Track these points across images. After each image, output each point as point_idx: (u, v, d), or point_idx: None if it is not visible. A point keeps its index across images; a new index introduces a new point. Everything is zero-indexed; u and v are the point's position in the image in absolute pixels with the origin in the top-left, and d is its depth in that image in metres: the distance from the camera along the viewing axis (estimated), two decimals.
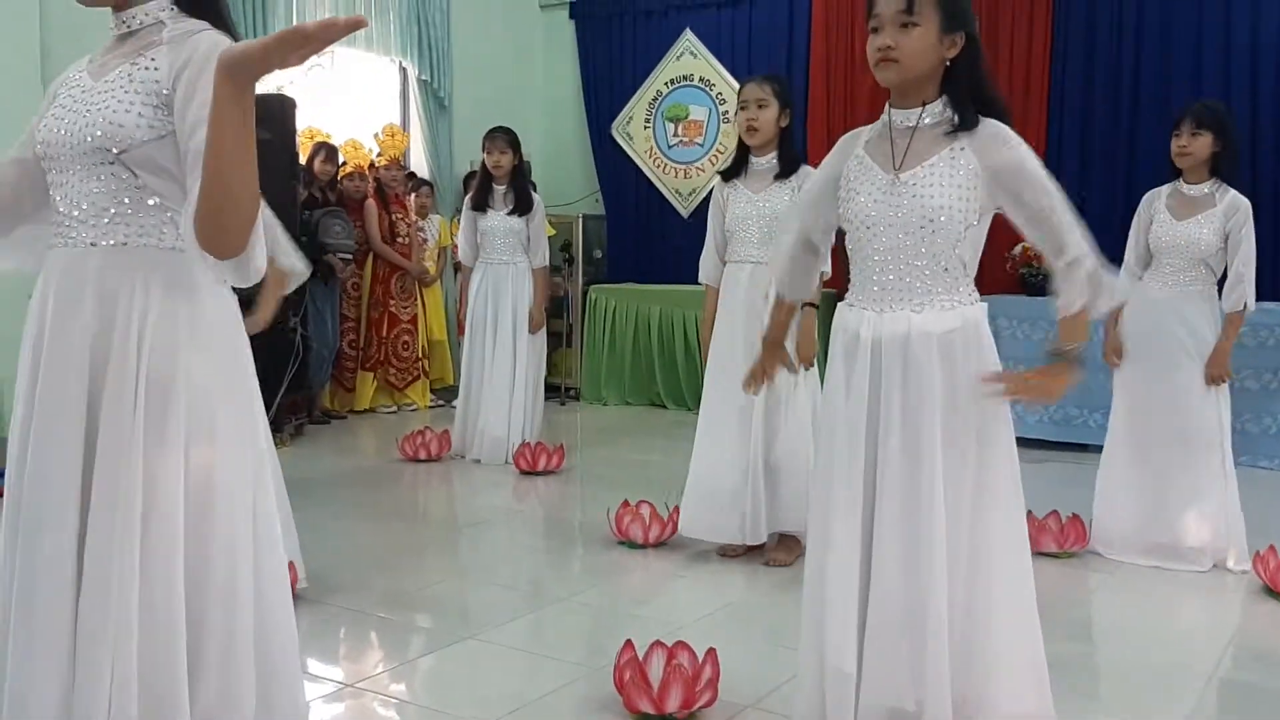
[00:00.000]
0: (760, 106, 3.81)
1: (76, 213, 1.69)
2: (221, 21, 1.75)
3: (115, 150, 1.64)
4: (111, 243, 1.66)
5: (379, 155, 7.40)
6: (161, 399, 1.63)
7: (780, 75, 4.02)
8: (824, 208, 2.36)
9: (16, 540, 1.67)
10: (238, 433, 1.71)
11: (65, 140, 1.69)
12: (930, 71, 2.17)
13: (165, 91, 1.65)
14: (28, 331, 1.73)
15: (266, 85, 6.91)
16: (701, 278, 4.11)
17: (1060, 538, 3.97)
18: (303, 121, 6.67)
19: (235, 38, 1.71)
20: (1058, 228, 2.17)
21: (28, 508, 1.66)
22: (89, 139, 1.66)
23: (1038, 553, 3.87)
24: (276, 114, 5.76)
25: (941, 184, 2.15)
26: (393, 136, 7.48)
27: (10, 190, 1.78)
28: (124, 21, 1.73)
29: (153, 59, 1.67)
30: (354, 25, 1.37)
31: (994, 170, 2.15)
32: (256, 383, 1.80)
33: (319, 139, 7.02)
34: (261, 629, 1.73)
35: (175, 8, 1.73)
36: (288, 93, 6.31)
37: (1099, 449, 4.18)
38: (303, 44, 1.40)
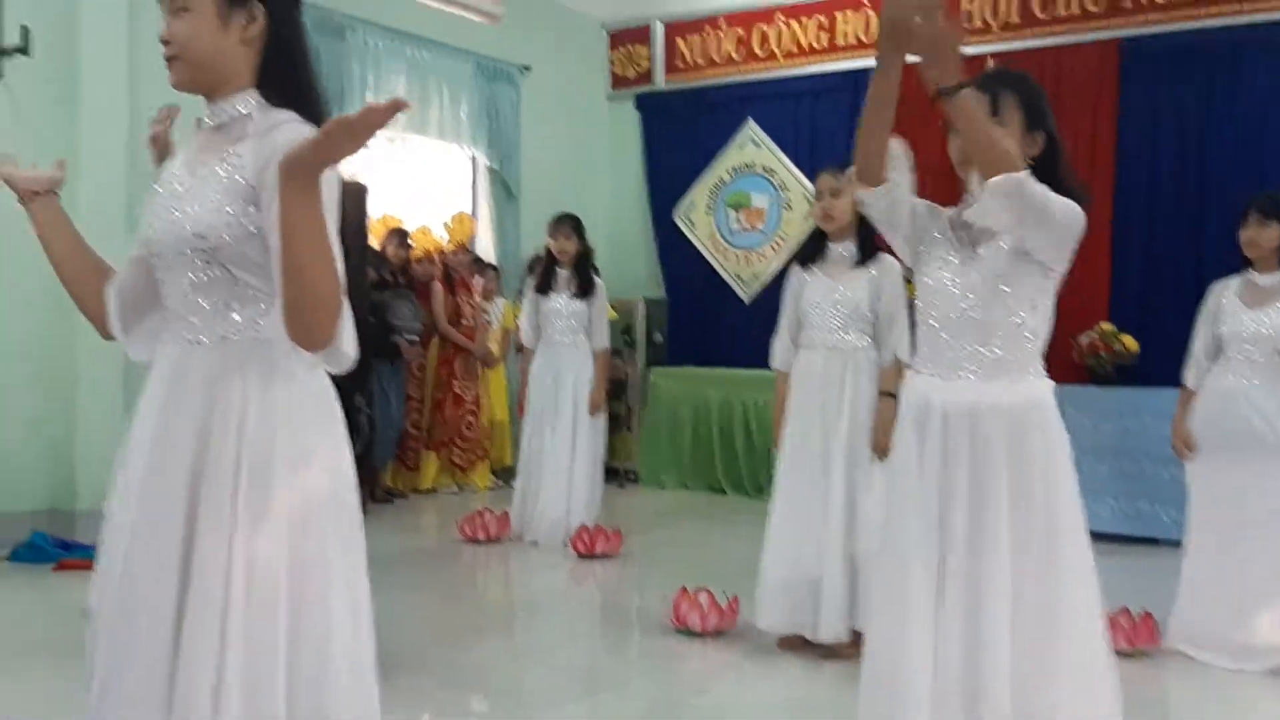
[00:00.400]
0: (834, 195, 3.80)
1: (180, 308, 1.73)
2: (310, 108, 1.76)
3: (209, 249, 1.68)
4: (213, 338, 1.70)
5: (447, 240, 7.56)
6: (261, 482, 1.65)
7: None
8: (914, 212, 2.41)
9: (114, 620, 1.69)
10: (334, 515, 1.73)
11: (164, 239, 1.73)
12: None
13: (252, 186, 1.67)
14: (136, 418, 1.77)
15: (341, 172, 7.15)
16: (774, 363, 4.07)
17: (1131, 635, 3.85)
18: (375, 206, 6.87)
19: (322, 119, 1.72)
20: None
21: (124, 587, 1.68)
22: (184, 238, 1.69)
23: None
24: (349, 199, 5.92)
25: (1014, 258, 2.20)
26: (460, 223, 7.66)
27: (138, 284, 1.83)
28: (215, 114, 1.78)
29: (239, 154, 1.70)
30: (394, 108, 1.42)
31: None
32: (353, 466, 1.81)
33: (392, 224, 7.22)
34: (349, 710, 1.72)
35: (262, 99, 1.76)
36: (361, 179, 6.50)
37: (1170, 543, 4.09)
38: (349, 134, 1.45)
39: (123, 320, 1.85)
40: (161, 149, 3.39)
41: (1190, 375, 4.09)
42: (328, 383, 1.78)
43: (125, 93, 5.38)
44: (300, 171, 1.50)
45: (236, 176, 1.69)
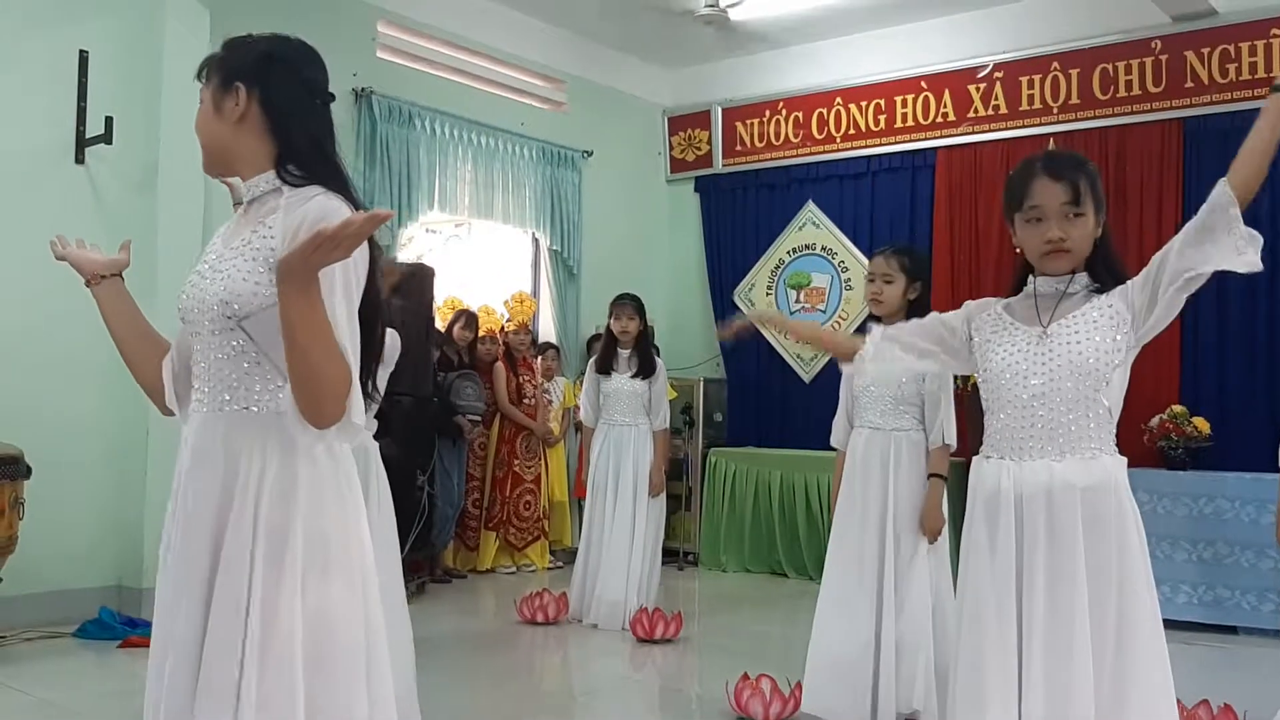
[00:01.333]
0: (886, 282, 3.83)
1: (206, 376, 1.79)
2: (329, 177, 1.82)
3: (235, 318, 1.74)
4: (236, 408, 1.75)
5: (508, 320, 7.66)
6: (278, 548, 1.69)
7: (912, 248, 4.05)
8: (959, 331, 2.42)
9: (157, 685, 1.74)
10: (348, 580, 1.75)
11: (195, 306, 1.80)
12: (1089, 254, 2.28)
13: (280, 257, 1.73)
14: (173, 489, 1.83)
15: (408, 255, 7.31)
16: (833, 441, 4.09)
17: None
18: (441, 288, 6.99)
19: (351, 196, 1.81)
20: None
21: (163, 653, 1.73)
22: (211, 305, 1.76)
23: None
24: (415, 282, 6.04)
25: (1090, 330, 2.21)
26: (521, 303, 7.76)
27: (186, 358, 1.89)
28: (249, 189, 1.86)
29: (270, 227, 1.77)
30: (376, 220, 1.51)
31: (1131, 296, 2.22)
32: (368, 534, 1.84)
33: (457, 306, 7.33)
34: None
35: (279, 177, 1.82)
36: (428, 261, 6.63)
37: (1250, 631, 3.92)
38: (331, 244, 1.52)
39: (177, 394, 1.92)
40: None
41: None
42: (347, 456, 1.82)
43: (201, 180, 5.56)
44: (294, 273, 1.57)
45: (265, 248, 1.75)
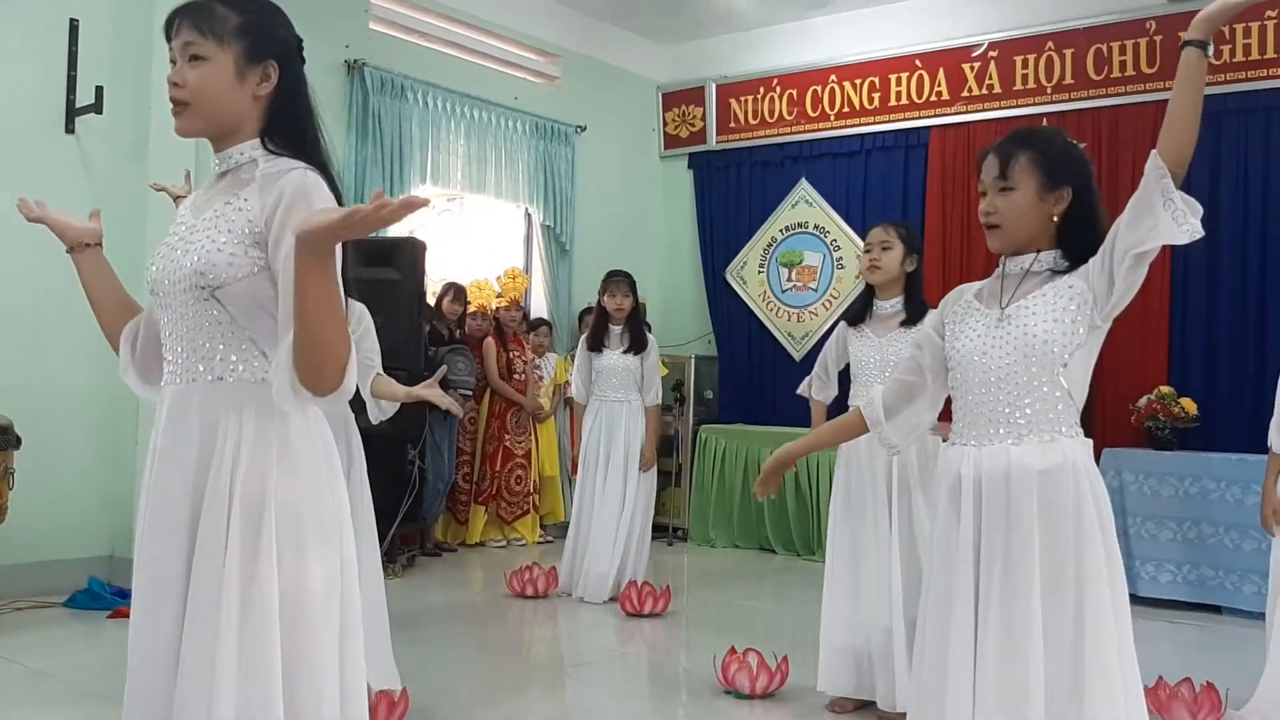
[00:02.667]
0: (884, 249, 3.84)
1: (177, 347, 1.79)
2: (310, 154, 1.83)
3: (209, 287, 1.74)
4: (210, 378, 1.76)
5: (499, 296, 7.65)
6: (254, 515, 1.70)
7: (906, 224, 4.07)
8: (928, 346, 2.41)
9: (134, 657, 1.77)
10: (324, 549, 1.77)
11: (166, 277, 1.80)
12: (1037, 230, 2.23)
13: (258, 230, 1.74)
14: (147, 462, 1.84)
15: (400, 228, 7.29)
16: (812, 391, 4.17)
17: (1193, 708, 3.73)
18: (432, 262, 6.97)
19: (328, 173, 1.80)
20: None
21: (142, 621, 1.75)
22: (185, 275, 1.76)
23: None
24: (407, 255, 6.03)
25: (1046, 311, 2.18)
26: (514, 279, 7.75)
27: (155, 327, 1.90)
28: (223, 160, 1.84)
29: (245, 198, 1.77)
30: (409, 206, 1.50)
31: (1091, 276, 2.16)
32: (346, 503, 1.86)
33: (447, 280, 7.32)
34: None
35: (264, 147, 1.82)
36: (419, 235, 6.61)
37: (1233, 611, 3.95)
38: (363, 224, 1.52)
39: (141, 363, 1.94)
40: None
41: (1276, 438, 3.91)
42: (323, 425, 1.83)
43: (192, 152, 5.53)
44: (315, 244, 1.57)
45: (241, 219, 1.75)
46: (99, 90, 5.33)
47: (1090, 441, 2.23)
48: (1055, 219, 2.22)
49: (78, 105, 5.36)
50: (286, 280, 1.67)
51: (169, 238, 1.86)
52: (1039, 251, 2.24)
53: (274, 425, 1.74)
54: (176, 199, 3.90)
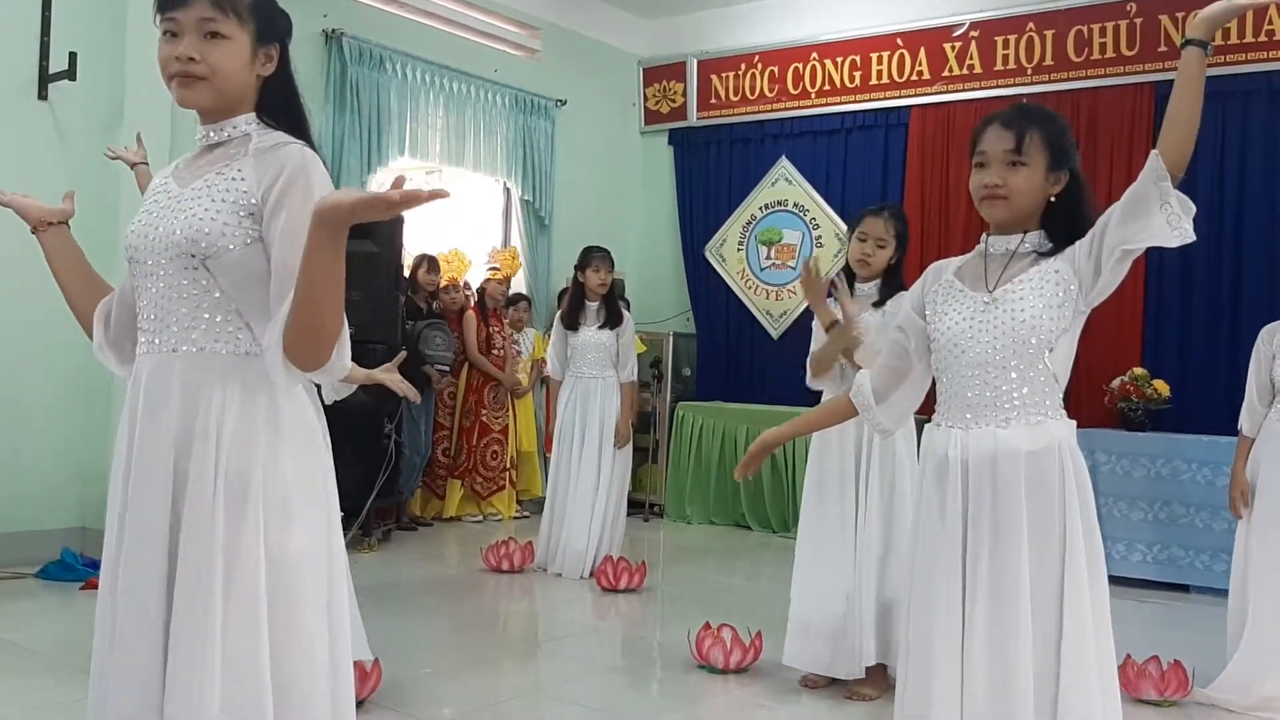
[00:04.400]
0: (880, 246, 3.83)
1: (157, 316, 1.77)
2: (301, 132, 1.85)
3: (199, 256, 1.72)
4: (192, 349, 1.74)
5: (493, 270, 7.61)
6: (240, 489, 1.69)
7: (902, 212, 4.04)
8: (911, 329, 2.40)
9: (110, 624, 1.74)
10: (311, 525, 1.76)
11: (150, 245, 1.77)
12: (1035, 208, 2.24)
13: (253, 202, 1.73)
14: (120, 433, 1.82)
15: None
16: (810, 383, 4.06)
17: (1160, 685, 3.78)
18: (410, 235, 6.92)
19: (315, 148, 1.81)
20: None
21: (121, 594, 1.73)
22: (172, 244, 1.74)
23: (1137, 700, 3.72)
24: (385, 228, 5.98)
25: (1034, 295, 2.18)
26: (513, 257, 7.72)
27: (131, 302, 1.88)
28: (211, 133, 1.84)
29: (239, 170, 1.76)
30: (435, 196, 1.49)
31: (1078, 263, 2.17)
32: (333, 479, 1.85)
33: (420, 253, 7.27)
34: (330, 710, 1.75)
35: (259, 121, 1.83)
36: None
37: (1202, 590, 3.99)
38: (386, 209, 1.52)
39: (115, 341, 1.93)
40: (142, 178, 3.71)
41: (1246, 421, 3.94)
42: (311, 398, 1.83)
43: (168, 120, 5.47)
44: (333, 221, 1.56)
45: (236, 190, 1.74)
46: (72, 56, 5.25)
47: (1074, 423, 2.25)
48: (1051, 200, 2.23)
49: (51, 72, 5.28)
50: (280, 253, 1.67)
51: (149, 204, 1.84)
52: (1026, 232, 2.25)
53: (261, 398, 1.73)
54: (133, 165, 3.87)
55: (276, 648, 1.68)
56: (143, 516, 1.72)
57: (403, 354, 3.82)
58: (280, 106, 1.85)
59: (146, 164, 3.89)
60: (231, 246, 1.71)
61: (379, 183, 7.33)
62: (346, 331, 1.68)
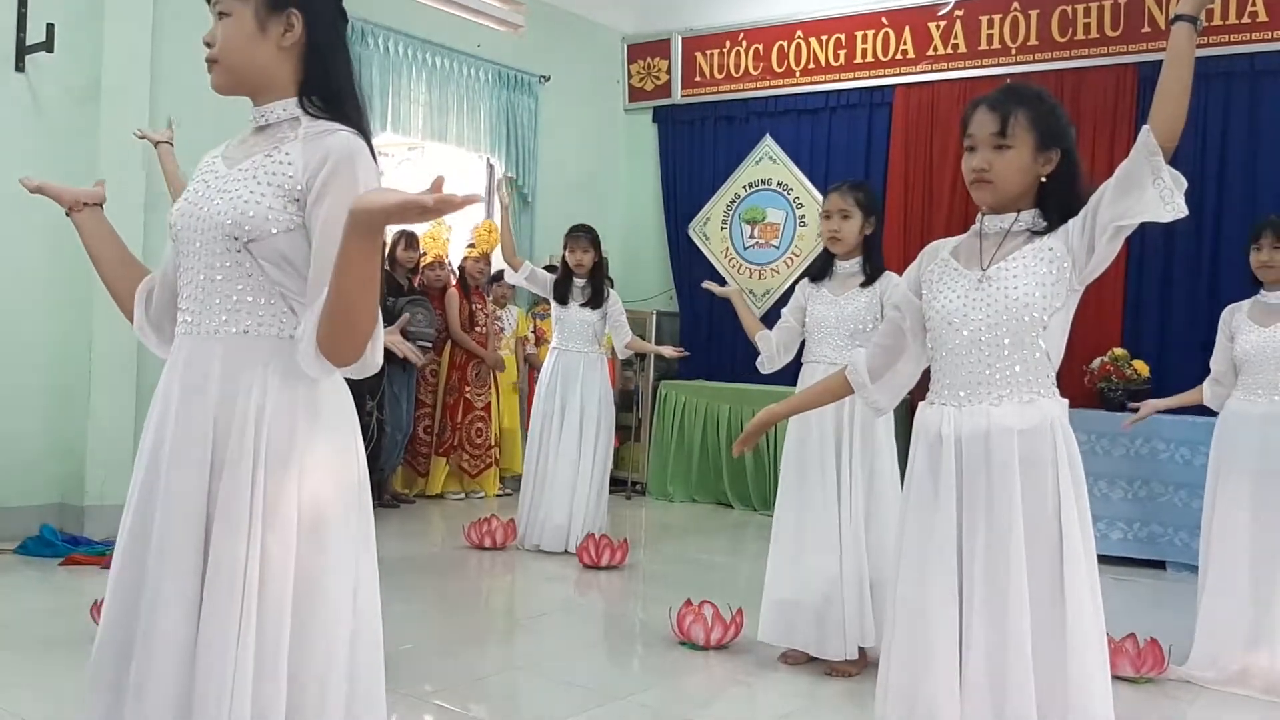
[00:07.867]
0: (844, 218, 3.84)
1: (200, 296, 1.74)
2: (351, 116, 1.79)
3: (243, 239, 1.70)
4: (233, 331, 1.72)
5: (470, 246, 7.57)
6: (278, 478, 1.67)
7: (865, 183, 4.05)
8: (907, 308, 2.41)
9: (133, 600, 1.70)
10: (344, 512, 1.74)
11: (195, 225, 1.75)
12: (1025, 189, 2.24)
13: (299, 187, 1.70)
14: (151, 413, 1.78)
15: None
16: (762, 334, 4.21)
17: (1137, 662, 3.83)
18: None
19: (368, 137, 1.77)
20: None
21: (150, 579, 1.69)
22: (218, 225, 1.71)
23: (1115, 676, 3.76)
24: None
25: (1028, 274, 2.19)
26: (489, 232, 7.68)
27: (172, 283, 1.85)
28: (262, 115, 1.80)
29: (287, 154, 1.73)
30: (469, 201, 1.47)
31: (1072, 241, 2.18)
32: (366, 467, 1.83)
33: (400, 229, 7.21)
34: (354, 711, 1.73)
35: (302, 107, 1.78)
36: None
37: (1181, 567, 4.04)
38: (420, 213, 1.49)
39: (156, 322, 1.91)
40: (165, 157, 3.92)
41: (1207, 393, 4.06)
42: (345, 385, 1.81)
43: (146, 92, 5.41)
44: (368, 223, 1.54)
45: (283, 174, 1.72)
46: (50, 28, 5.18)
47: (1066, 402, 2.26)
48: (1042, 180, 2.23)
49: (28, 43, 5.21)
50: (319, 244, 1.65)
51: (194, 184, 1.81)
52: (1019, 211, 2.25)
53: (303, 384, 1.71)
54: (157, 144, 4.05)
55: (304, 647, 1.66)
56: (179, 498, 1.69)
57: (405, 317, 3.81)
58: (318, 81, 1.79)
59: (171, 144, 4.09)
60: (274, 230, 1.69)
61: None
62: (381, 329, 1.66)
